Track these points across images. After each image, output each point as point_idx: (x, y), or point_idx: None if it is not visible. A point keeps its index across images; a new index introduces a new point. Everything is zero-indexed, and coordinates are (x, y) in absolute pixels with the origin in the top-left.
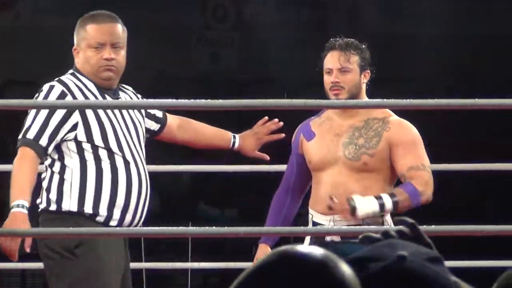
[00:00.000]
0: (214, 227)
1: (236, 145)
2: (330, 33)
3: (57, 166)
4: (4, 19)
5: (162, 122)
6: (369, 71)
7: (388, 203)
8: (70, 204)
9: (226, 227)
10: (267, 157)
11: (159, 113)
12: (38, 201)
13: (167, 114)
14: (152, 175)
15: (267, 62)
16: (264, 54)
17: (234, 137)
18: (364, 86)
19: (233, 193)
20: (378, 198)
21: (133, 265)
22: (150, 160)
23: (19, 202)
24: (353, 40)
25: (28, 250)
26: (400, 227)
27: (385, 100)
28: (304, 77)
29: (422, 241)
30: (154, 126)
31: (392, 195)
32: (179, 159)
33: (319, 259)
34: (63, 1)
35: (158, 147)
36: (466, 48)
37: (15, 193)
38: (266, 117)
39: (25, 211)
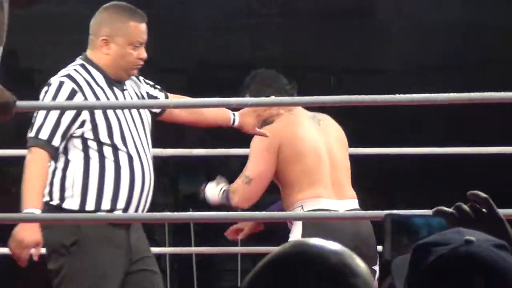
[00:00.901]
0: (263, 212)
1: (236, 122)
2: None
3: (61, 161)
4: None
5: None
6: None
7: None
8: (72, 202)
9: (275, 212)
10: (267, 134)
11: (161, 95)
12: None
13: (169, 95)
14: (201, 159)
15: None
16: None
17: (234, 114)
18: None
19: None
20: (222, 190)
21: (182, 250)
22: (198, 144)
23: (32, 210)
24: None
25: (36, 258)
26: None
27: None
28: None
29: (494, 216)
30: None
31: (225, 191)
32: (226, 142)
33: (336, 253)
34: None
35: (203, 131)
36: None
37: (28, 199)
38: None
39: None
